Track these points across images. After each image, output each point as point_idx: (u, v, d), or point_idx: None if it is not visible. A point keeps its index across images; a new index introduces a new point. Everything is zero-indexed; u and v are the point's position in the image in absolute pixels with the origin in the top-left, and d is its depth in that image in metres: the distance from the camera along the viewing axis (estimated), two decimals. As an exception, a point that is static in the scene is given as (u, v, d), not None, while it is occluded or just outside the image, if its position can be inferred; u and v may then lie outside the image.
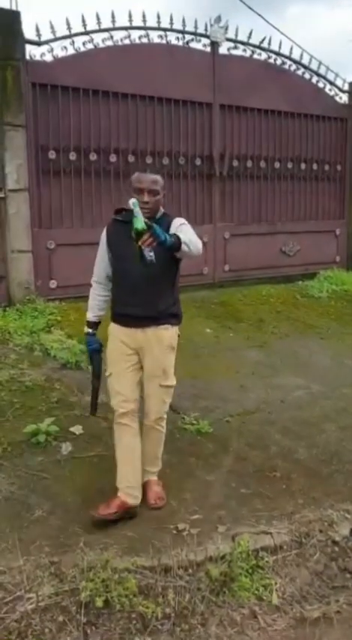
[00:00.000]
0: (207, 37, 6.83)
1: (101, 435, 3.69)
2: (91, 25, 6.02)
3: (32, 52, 5.77)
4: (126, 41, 6.28)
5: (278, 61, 7.47)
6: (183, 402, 4.27)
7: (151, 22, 6.40)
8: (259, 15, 7.31)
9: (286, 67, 7.56)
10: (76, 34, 5.96)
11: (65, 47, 5.90)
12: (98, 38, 6.08)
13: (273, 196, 7.63)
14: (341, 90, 8.11)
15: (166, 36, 6.57)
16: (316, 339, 6.10)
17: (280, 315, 6.58)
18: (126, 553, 2.57)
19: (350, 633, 2.36)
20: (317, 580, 2.65)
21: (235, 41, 7.05)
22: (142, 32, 6.39)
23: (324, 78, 7.90)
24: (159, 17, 6.42)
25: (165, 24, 6.52)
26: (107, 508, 2.84)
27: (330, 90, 8.03)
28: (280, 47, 7.39)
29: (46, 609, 2.29)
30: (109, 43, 6.18)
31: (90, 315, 3.10)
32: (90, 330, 3.09)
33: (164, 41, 6.56)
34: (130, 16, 6.21)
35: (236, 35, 7.02)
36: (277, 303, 6.85)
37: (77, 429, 3.71)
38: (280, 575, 2.62)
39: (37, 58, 5.80)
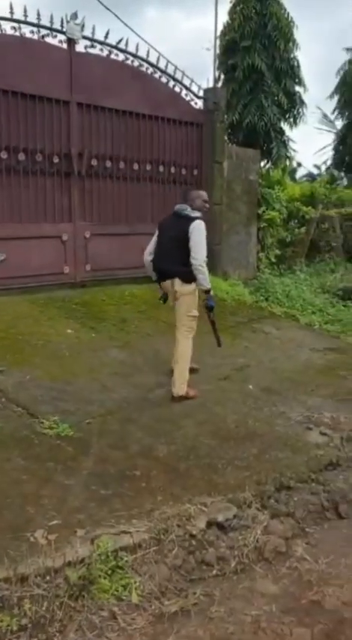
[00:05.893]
0: (64, 33, 6.70)
1: None
2: None
3: None
4: (-24, 30, 6.00)
5: (136, 63, 7.51)
6: (42, 406, 4.16)
7: (3, 12, 6.17)
8: (116, 15, 7.37)
9: (144, 69, 7.62)
10: None
11: None
12: None
13: (133, 197, 7.67)
14: (196, 96, 8.34)
15: (20, 28, 6.35)
16: (176, 337, 6.22)
17: (142, 314, 6.65)
18: (-22, 567, 2.44)
19: (206, 623, 2.43)
20: (175, 575, 2.70)
21: (92, 40, 6.98)
22: (-6, 22, 6.12)
23: (180, 83, 8.07)
24: (11, 8, 6.20)
25: (18, 15, 6.31)
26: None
27: (186, 95, 8.22)
28: (137, 49, 7.45)
29: None
30: None
31: None
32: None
33: (18, 33, 6.35)
34: (-20, 4, 5.96)
35: (93, 34, 6.96)
36: (140, 302, 6.90)
37: None
38: (139, 574, 2.63)
39: None
